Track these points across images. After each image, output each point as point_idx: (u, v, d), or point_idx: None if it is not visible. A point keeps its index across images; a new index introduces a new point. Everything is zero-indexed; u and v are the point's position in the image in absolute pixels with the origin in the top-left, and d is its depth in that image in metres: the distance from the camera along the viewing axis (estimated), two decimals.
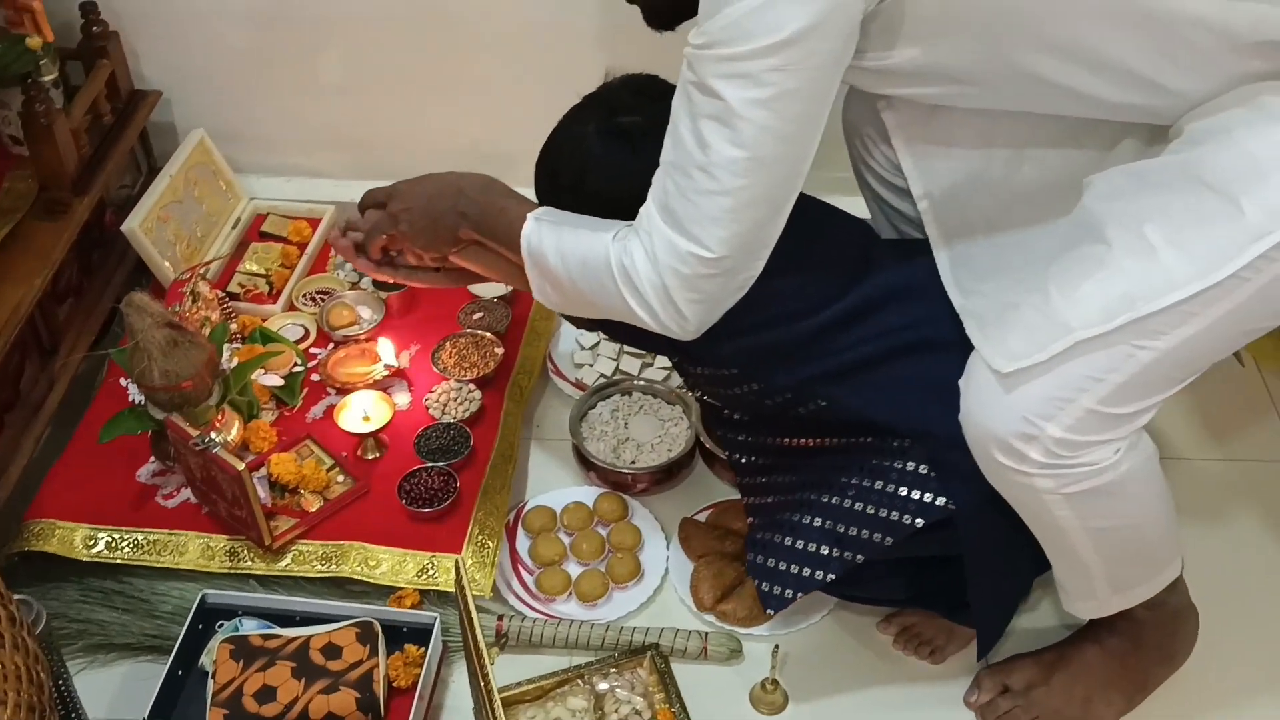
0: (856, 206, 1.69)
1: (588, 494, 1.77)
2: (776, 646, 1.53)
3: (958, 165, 1.45)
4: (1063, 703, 1.48)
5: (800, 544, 1.45)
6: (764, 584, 1.47)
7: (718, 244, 1.21)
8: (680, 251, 1.22)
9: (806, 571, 1.44)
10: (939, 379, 1.35)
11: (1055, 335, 1.21)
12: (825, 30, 1.12)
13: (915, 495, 1.37)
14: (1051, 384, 1.22)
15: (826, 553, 1.43)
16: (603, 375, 1.93)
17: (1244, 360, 1.99)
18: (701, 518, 1.75)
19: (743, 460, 1.61)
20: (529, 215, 1.37)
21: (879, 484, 1.40)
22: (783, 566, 1.46)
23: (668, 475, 1.79)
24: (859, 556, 1.41)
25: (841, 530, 1.42)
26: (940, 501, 1.36)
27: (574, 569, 1.68)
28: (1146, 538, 1.36)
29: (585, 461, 1.80)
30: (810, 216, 1.36)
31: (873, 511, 1.40)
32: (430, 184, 1.48)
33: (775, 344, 1.40)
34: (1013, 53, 1.22)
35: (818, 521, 1.44)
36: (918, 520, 1.37)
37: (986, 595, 1.45)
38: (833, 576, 1.43)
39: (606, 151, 1.38)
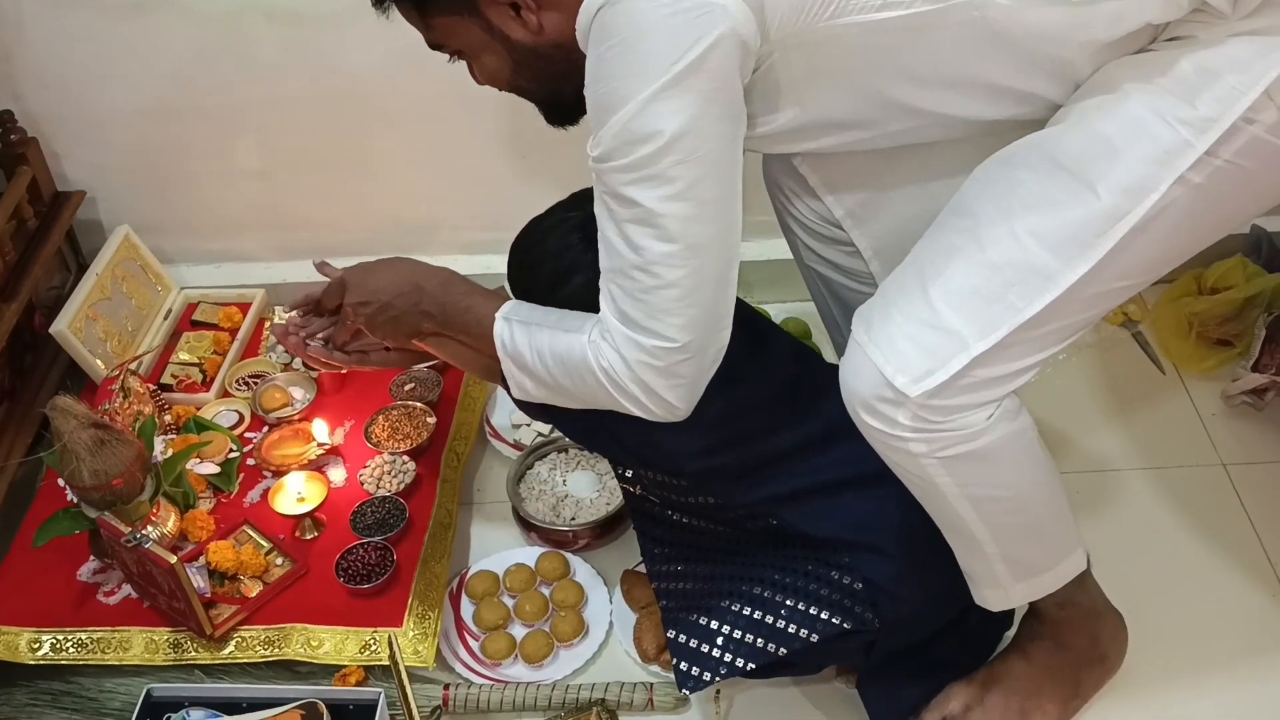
0: (780, 248, 1.74)
1: (529, 554, 1.79)
2: (718, 692, 1.55)
3: (888, 207, 1.50)
4: (999, 718, 1.50)
5: (725, 629, 1.47)
6: (682, 663, 1.48)
7: (678, 332, 1.24)
8: (647, 348, 1.25)
9: (728, 656, 1.46)
10: (890, 510, 1.40)
11: (952, 352, 1.23)
12: (710, 115, 1.17)
13: (846, 603, 1.42)
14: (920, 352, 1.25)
15: (751, 640, 1.45)
16: (540, 434, 1.96)
17: (1164, 368, 2.04)
18: (642, 569, 1.77)
19: (657, 550, 1.63)
20: (497, 315, 1.39)
21: (813, 585, 1.44)
22: (704, 649, 1.48)
23: (608, 529, 1.81)
24: (782, 650, 1.44)
25: (770, 622, 1.45)
26: (869, 616, 1.41)
27: (519, 631, 1.70)
28: (1033, 513, 1.37)
29: (525, 522, 1.82)
30: (753, 330, 1.41)
31: (804, 608, 1.43)
32: (387, 279, 1.47)
33: (737, 464, 1.43)
34: (884, 91, 1.27)
35: (746, 610, 1.46)
36: (846, 624, 1.41)
37: (887, 694, 1.52)
38: (753, 666, 1.45)
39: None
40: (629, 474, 1.56)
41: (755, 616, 1.45)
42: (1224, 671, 1.59)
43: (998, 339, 1.22)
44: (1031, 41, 1.23)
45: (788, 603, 1.44)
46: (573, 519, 1.81)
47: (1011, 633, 1.57)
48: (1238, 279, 2.03)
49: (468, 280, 1.46)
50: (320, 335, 1.56)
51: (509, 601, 1.74)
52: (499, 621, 1.70)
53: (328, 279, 1.54)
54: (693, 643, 1.49)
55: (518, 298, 1.43)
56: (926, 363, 1.23)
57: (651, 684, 1.61)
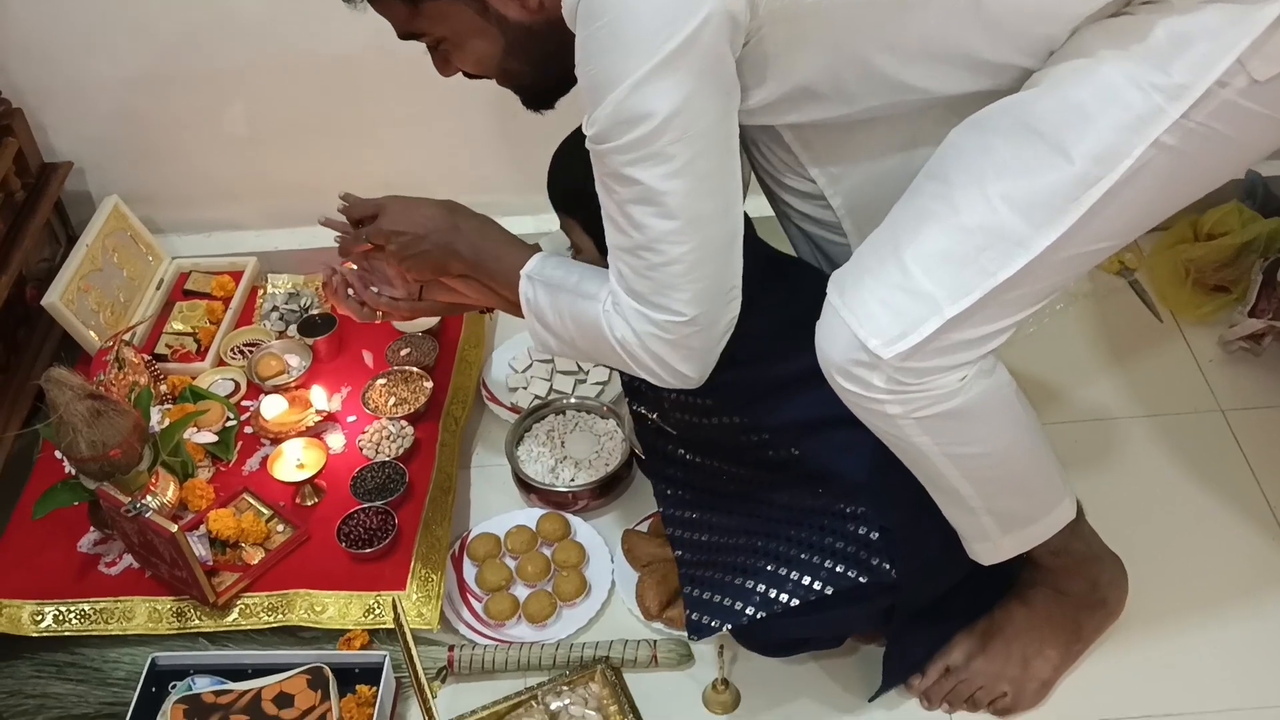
0: (761, 204, 1.72)
1: (529, 516, 1.80)
2: (722, 647, 1.55)
3: (864, 170, 1.48)
4: (1002, 666, 1.51)
5: (737, 580, 1.47)
6: (693, 614, 1.50)
7: (686, 306, 1.26)
8: (657, 322, 1.28)
9: (739, 605, 1.46)
10: None
11: (925, 316, 1.22)
12: (703, 92, 1.17)
13: (862, 555, 1.41)
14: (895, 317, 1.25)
15: (764, 591, 1.45)
16: (537, 397, 1.95)
17: (1161, 315, 2.04)
18: (643, 528, 1.77)
19: (669, 492, 1.64)
20: (523, 272, 1.41)
21: (829, 539, 1.43)
22: (716, 599, 1.48)
23: (607, 489, 1.81)
24: (794, 600, 1.43)
25: (783, 574, 1.44)
26: (885, 567, 1.40)
27: (521, 591, 1.70)
28: (1016, 467, 1.37)
29: (524, 484, 1.82)
30: (770, 260, 1.42)
31: (818, 561, 1.43)
32: (424, 213, 1.49)
33: (760, 380, 1.43)
34: (869, 63, 1.26)
35: (760, 562, 1.46)
36: (862, 578, 1.41)
37: (900, 651, 1.53)
38: (762, 615, 1.44)
39: None
40: (648, 397, 1.57)
41: (769, 569, 1.45)
42: (1224, 614, 1.60)
43: (970, 303, 1.22)
44: (1016, 18, 1.22)
45: (802, 555, 1.44)
46: (572, 480, 1.81)
47: None
48: (1234, 224, 2.03)
49: (503, 229, 1.49)
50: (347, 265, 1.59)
51: (511, 563, 1.74)
52: (501, 583, 1.70)
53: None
54: (705, 594, 1.49)
55: (553, 202, 1.46)
56: (899, 325, 1.23)
57: (655, 640, 1.61)
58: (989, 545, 1.43)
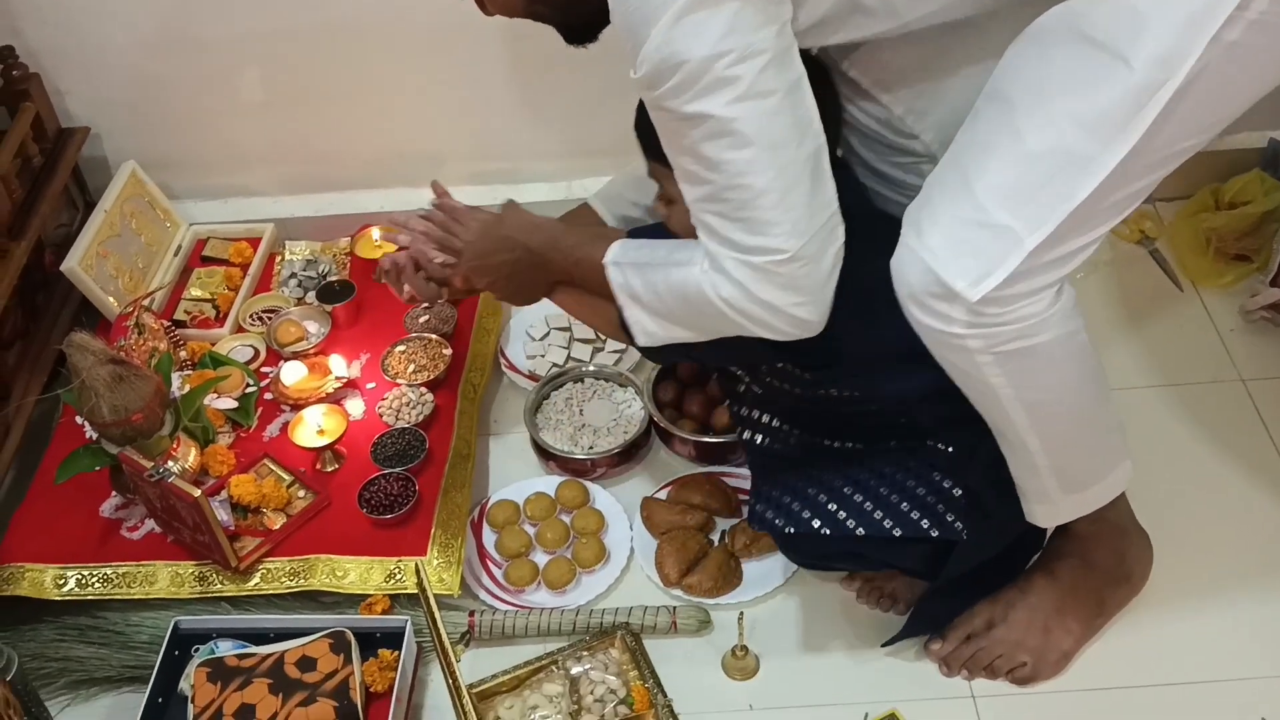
0: None
1: (548, 483, 1.80)
2: (742, 614, 1.56)
3: (946, 95, 1.44)
4: (1023, 635, 1.51)
5: (811, 489, 1.46)
6: (757, 504, 1.48)
7: (785, 239, 1.21)
8: (760, 266, 1.23)
9: (806, 514, 1.44)
10: None
11: (1007, 251, 1.21)
12: (750, 8, 1.14)
13: (940, 509, 1.41)
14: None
15: (834, 510, 1.44)
16: (555, 365, 1.95)
17: (1181, 284, 2.03)
18: (662, 495, 1.77)
19: (759, 441, 1.60)
20: (607, 262, 1.39)
21: (911, 482, 1.43)
22: (785, 499, 1.47)
23: (626, 457, 1.82)
24: (861, 529, 1.43)
25: (859, 501, 1.44)
26: (959, 525, 1.41)
27: (541, 558, 1.71)
28: (1084, 420, 1.37)
29: (543, 452, 1.83)
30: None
31: (895, 500, 1.43)
32: (497, 249, 1.50)
33: (895, 344, 1.36)
34: None
35: (839, 482, 1.45)
36: (934, 531, 1.41)
37: (936, 604, 1.53)
38: (827, 532, 1.44)
39: None
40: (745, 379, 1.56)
41: (846, 491, 1.44)
42: (1245, 587, 1.60)
43: (1049, 231, 1.20)
44: None
45: (881, 490, 1.43)
46: (591, 448, 1.81)
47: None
48: (1256, 193, 2.01)
49: (574, 231, 1.48)
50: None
51: (530, 529, 1.74)
52: (521, 549, 1.71)
53: (439, 198, 1.60)
54: (775, 492, 1.47)
55: (645, 150, 1.41)
56: (983, 264, 1.21)
57: (674, 607, 1.62)
58: (1049, 507, 1.42)
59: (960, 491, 1.42)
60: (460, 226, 1.55)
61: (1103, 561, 1.52)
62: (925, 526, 1.42)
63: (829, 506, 1.44)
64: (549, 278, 1.51)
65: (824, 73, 1.39)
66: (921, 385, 1.38)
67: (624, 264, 1.37)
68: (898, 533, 1.43)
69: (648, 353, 1.48)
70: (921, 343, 1.30)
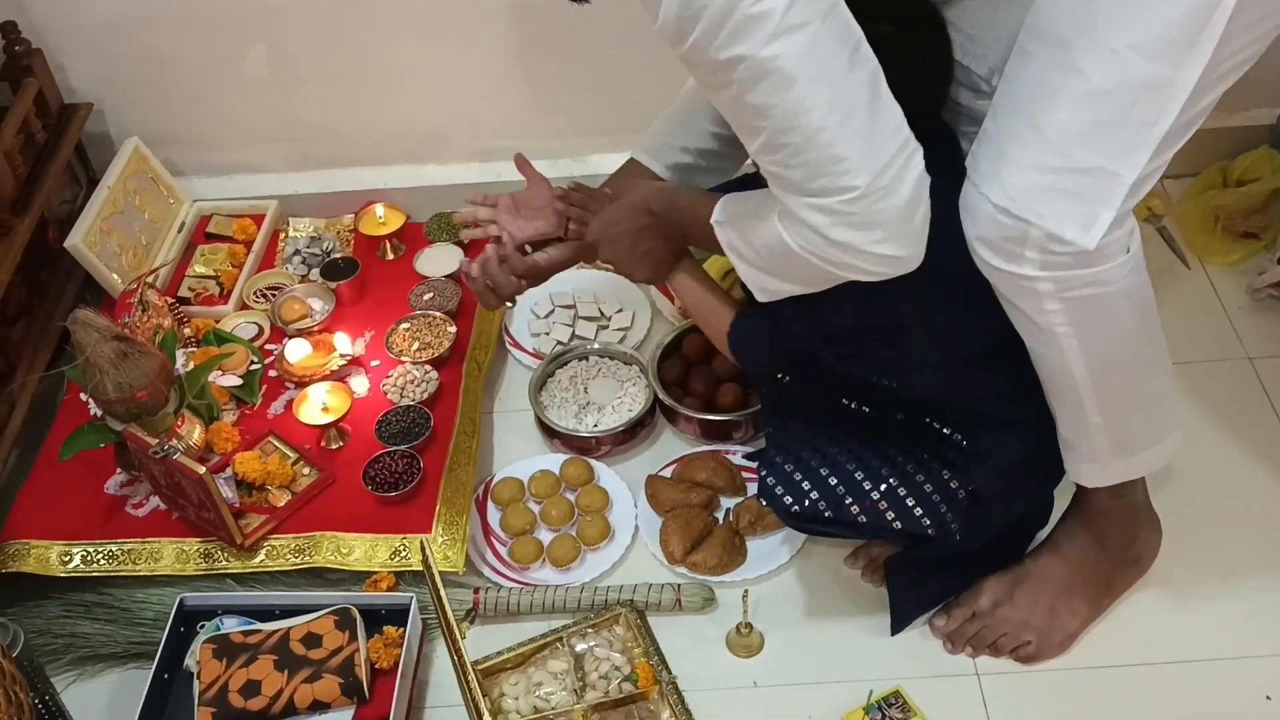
0: None
1: (553, 461, 1.80)
2: (746, 591, 1.56)
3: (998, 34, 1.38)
4: (1028, 615, 1.51)
5: (822, 469, 1.45)
6: (768, 477, 1.47)
7: (853, 176, 1.15)
8: (834, 211, 1.17)
9: (811, 491, 1.44)
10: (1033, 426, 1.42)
11: (1108, 190, 1.19)
12: None
13: (943, 509, 1.42)
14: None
15: (840, 493, 1.44)
16: (559, 342, 1.95)
17: (1188, 262, 2.02)
18: (666, 473, 1.77)
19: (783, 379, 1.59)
20: (714, 222, 1.37)
21: (920, 477, 1.43)
22: (793, 473, 1.46)
23: (630, 435, 1.81)
24: (863, 518, 1.43)
25: (864, 485, 1.44)
26: (955, 527, 1.43)
27: (545, 536, 1.71)
28: (1142, 380, 1.36)
29: (548, 430, 1.82)
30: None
31: (902, 494, 1.43)
32: (624, 217, 1.50)
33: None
34: None
35: (851, 466, 1.45)
36: (931, 530, 1.43)
37: (912, 588, 1.55)
38: (829, 514, 1.43)
39: None
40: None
41: (857, 477, 1.43)
42: (1251, 566, 1.60)
43: (1144, 162, 1.18)
44: None
45: (891, 480, 1.43)
46: (595, 426, 1.81)
47: (1044, 534, 1.58)
48: (1264, 171, 2.00)
49: (685, 191, 1.48)
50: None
51: (534, 507, 1.74)
52: (525, 527, 1.71)
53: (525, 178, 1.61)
54: (788, 466, 1.46)
55: None
56: (1087, 208, 1.19)
57: (679, 585, 1.62)
58: (1097, 468, 1.42)
59: (964, 494, 1.43)
60: (595, 203, 1.55)
61: (1114, 543, 1.52)
62: (925, 525, 1.43)
63: (837, 490, 1.44)
64: (672, 245, 1.49)
65: (937, 20, 1.33)
66: (959, 384, 1.39)
67: (726, 225, 1.35)
68: (898, 526, 1.44)
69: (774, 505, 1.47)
70: (978, 343, 1.29)
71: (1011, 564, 1.54)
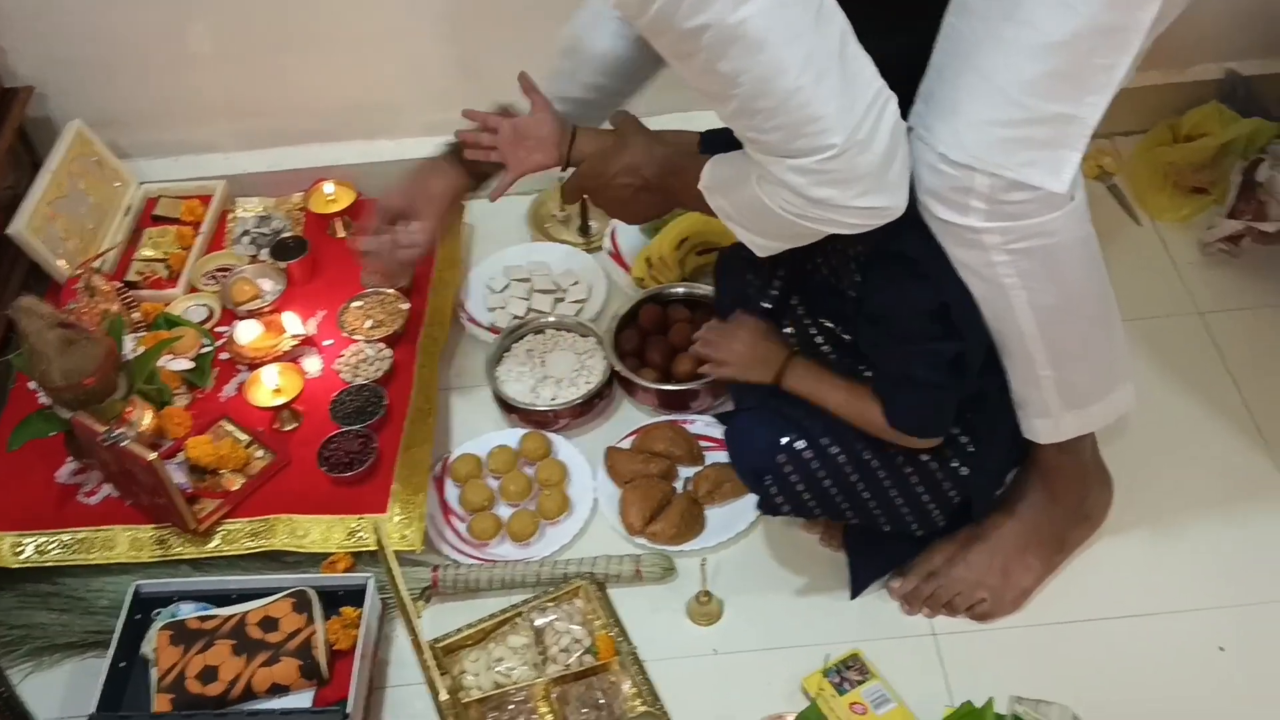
0: None
1: (511, 436, 1.79)
2: (704, 560, 1.56)
3: None
4: (982, 574, 1.52)
5: (828, 484, 1.46)
6: (772, 487, 1.46)
7: (830, 134, 1.14)
8: (813, 170, 1.17)
9: (813, 505, 1.48)
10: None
11: (1074, 135, 1.21)
12: None
13: (934, 511, 1.49)
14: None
15: (839, 503, 1.47)
16: (516, 316, 1.94)
17: (1140, 219, 2.02)
18: (625, 445, 1.77)
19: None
20: (703, 189, 1.37)
21: (915, 479, 1.46)
22: (799, 489, 1.46)
23: (588, 408, 1.81)
24: (854, 519, 1.50)
25: (866, 497, 1.47)
26: (941, 523, 1.50)
27: (504, 511, 1.71)
28: (1089, 329, 1.37)
29: (505, 404, 1.82)
30: None
31: (895, 497, 1.47)
32: (617, 175, 1.52)
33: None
34: None
35: (849, 470, 1.45)
36: (918, 530, 1.50)
37: (869, 552, 1.58)
38: (823, 516, 1.51)
39: None
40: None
41: (854, 481, 1.45)
42: (1202, 519, 1.62)
43: (1106, 103, 1.20)
44: None
45: (885, 484, 1.46)
46: (553, 399, 1.81)
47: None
48: (1213, 126, 2.01)
49: (672, 153, 1.48)
50: None
51: (493, 483, 1.74)
52: (484, 503, 1.70)
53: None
54: (793, 478, 1.46)
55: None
56: (1052, 152, 1.20)
57: (638, 555, 1.62)
58: (1049, 423, 1.42)
59: (957, 497, 1.47)
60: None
61: (1065, 499, 1.53)
62: (913, 527, 1.48)
63: (836, 499, 1.47)
64: (664, 200, 1.53)
65: None
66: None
67: (713, 188, 1.36)
68: (887, 528, 1.48)
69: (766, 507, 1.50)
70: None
71: (963, 526, 1.55)
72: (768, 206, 1.24)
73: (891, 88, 1.18)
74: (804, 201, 1.20)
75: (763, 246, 1.37)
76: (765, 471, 1.44)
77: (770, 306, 1.55)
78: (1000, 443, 1.47)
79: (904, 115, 1.22)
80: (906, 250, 1.29)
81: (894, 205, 1.22)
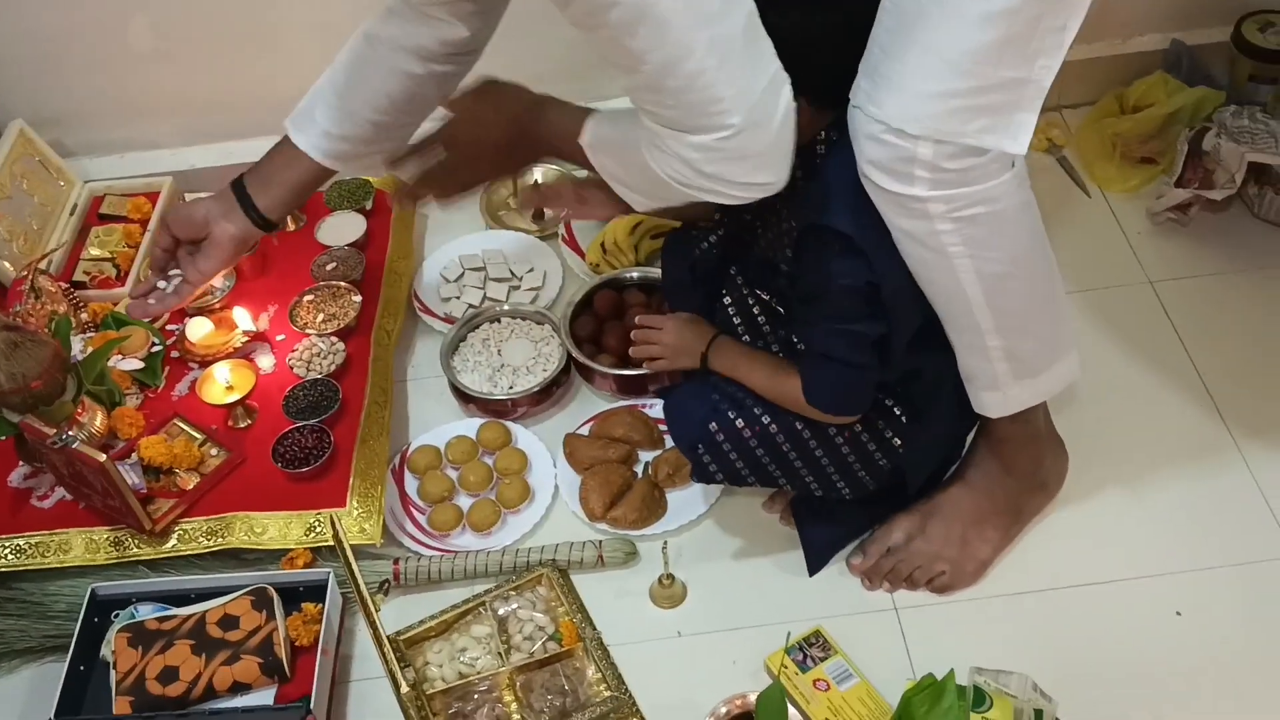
0: None
1: (469, 426, 1.78)
2: (665, 543, 1.56)
3: None
4: (941, 546, 1.53)
5: (765, 460, 1.48)
6: (706, 457, 1.48)
7: (728, 114, 1.17)
8: (705, 145, 1.19)
9: (746, 473, 1.49)
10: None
11: (1029, 97, 1.21)
12: None
13: (864, 476, 1.49)
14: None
15: (773, 472, 1.48)
16: (471, 305, 1.93)
17: (1089, 190, 2.04)
18: (584, 431, 1.77)
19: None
20: (583, 143, 1.35)
21: (846, 449, 1.47)
22: (735, 461, 1.48)
23: (546, 395, 1.80)
24: (787, 487, 1.52)
25: (798, 466, 1.48)
26: (871, 486, 1.50)
27: (464, 501, 1.70)
28: (1035, 298, 1.37)
29: (463, 395, 1.81)
30: None
31: (826, 464, 1.48)
32: (488, 128, 1.47)
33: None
34: None
35: (786, 447, 1.47)
36: (848, 493, 1.51)
37: (822, 525, 1.59)
38: (757, 484, 1.52)
39: None
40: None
41: (790, 456, 1.46)
42: (1156, 486, 1.63)
43: (1059, 62, 1.20)
44: None
45: (818, 453, 1.47)
46: (510, 388, 1.80)
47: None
48: (1159, 96, 2.03)
49: (553, 105, 1.46)
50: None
51: (452, 473, 1.73)
52: (444, 494, 1.70)
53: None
54: (726, 446, 1.47)
55: None
56: (1007, 116, 1.20)
57: (600, 541, 1.62)
58: (998, 395, 1.43)
59: (889, 466, 1.47)
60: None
61: (1020, 469, 1.54)
62: (844, 492, 1.49)
63: (768, 466, 1.48)
64: (536, 155, 1.52)
65: None
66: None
67: (596, 147, 1.34)
68: (819, 493, 1.49)
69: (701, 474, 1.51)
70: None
71: (918, 499, 1.56)
72: (655, 173, 1.26)
73: (815, 64, 1.20)
74: (695, 174, 1.24)
75: (641, 204, 1.39)
76: (699, 441, 1.46)
77: (702, 250, 1.58)
78: (938, 417, 1.48)
79: (834, 92, 1.25)
80: (840, 226, 1.29)
81: (778, 181, 1.26)
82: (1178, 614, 1.50)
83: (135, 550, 1.59)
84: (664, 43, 1.12)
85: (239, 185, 1.58)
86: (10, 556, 1.60)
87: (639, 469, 1.72)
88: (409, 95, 1.52)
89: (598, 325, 1.85)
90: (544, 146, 1.48)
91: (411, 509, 1.70)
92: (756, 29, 1.17)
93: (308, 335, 1.80)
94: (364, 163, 1.59)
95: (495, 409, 1.80)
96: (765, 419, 1.46)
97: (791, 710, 1.36)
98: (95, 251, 1.95)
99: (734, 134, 1.18)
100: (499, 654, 1.51)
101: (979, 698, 1.33)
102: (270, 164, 1.58)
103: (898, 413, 1.46)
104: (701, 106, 1.17)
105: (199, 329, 1.79)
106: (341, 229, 1.97)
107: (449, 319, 1.92)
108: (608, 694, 1.47)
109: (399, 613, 1.57)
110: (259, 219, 1.58)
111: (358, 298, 1.84)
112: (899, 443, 1.47)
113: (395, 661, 1.30)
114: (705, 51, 1.13)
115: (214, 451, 1.68)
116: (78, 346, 1.72)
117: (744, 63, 1.16)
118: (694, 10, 1.12)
